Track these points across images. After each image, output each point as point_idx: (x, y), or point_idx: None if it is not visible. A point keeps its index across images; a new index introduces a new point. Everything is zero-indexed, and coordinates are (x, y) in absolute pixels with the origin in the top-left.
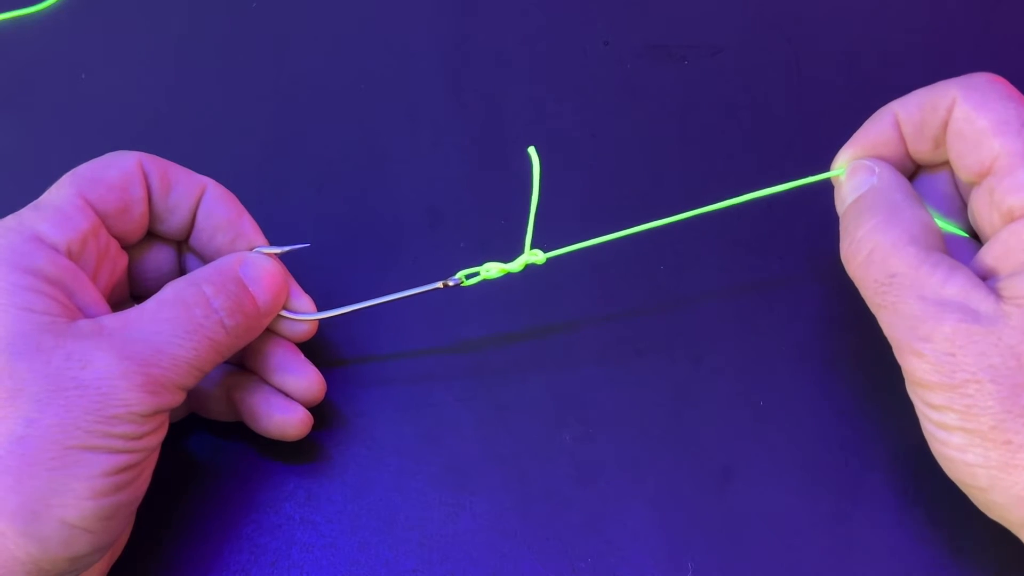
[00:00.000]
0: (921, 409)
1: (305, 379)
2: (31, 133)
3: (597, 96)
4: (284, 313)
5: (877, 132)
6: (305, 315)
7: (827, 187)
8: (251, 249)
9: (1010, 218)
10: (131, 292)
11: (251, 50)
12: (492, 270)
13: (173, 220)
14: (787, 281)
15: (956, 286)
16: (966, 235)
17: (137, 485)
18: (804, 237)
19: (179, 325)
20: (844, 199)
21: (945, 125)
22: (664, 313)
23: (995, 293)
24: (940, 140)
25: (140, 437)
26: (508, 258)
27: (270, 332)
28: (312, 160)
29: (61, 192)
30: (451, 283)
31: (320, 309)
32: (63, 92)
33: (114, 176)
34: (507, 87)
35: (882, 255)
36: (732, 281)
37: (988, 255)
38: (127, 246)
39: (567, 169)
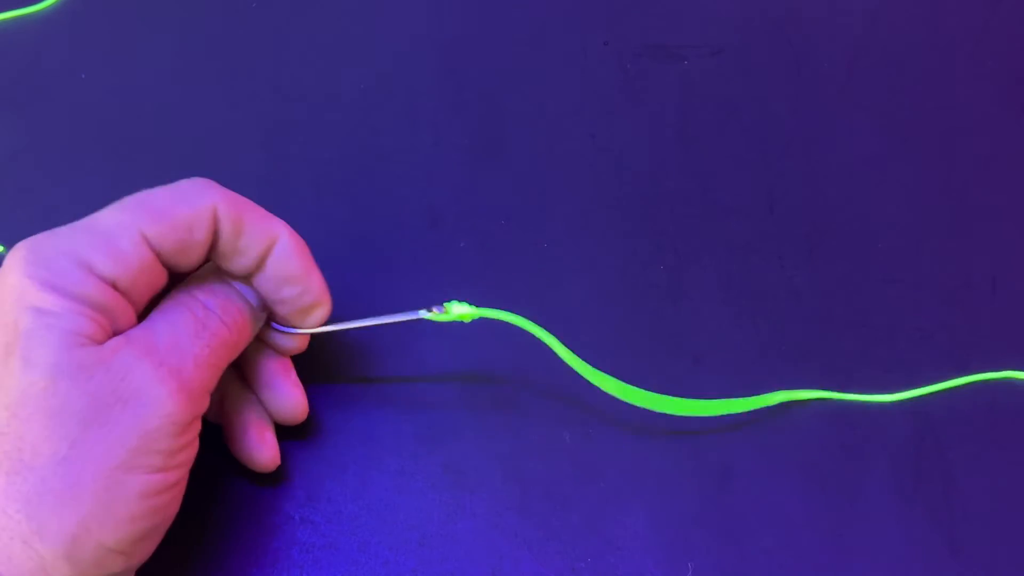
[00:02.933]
0: None
1: (288, 399)
2: (31, 133)
3: (597, 96)
4: (275, 326)
5: None
6: (294, 330)
7: (824, 187)
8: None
9: None
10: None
11: (251, 50)
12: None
13: (239, 263)
14: (787, 281)
15: None
16: None
17: (172, 508)
18: (804, 236)
19: (190, 326)
20: None
21: None
22: (664, 313)
23: None
24: None
25: (178, 451)
26: (509, 260)
27: (263, 343)
28: (311, 160)
29: (122, 220)
30: (435, 310)
31: None
32: (63, 92)
33: (182, 215)
34: (507, 87)
35: None
36: (732, 281)
37: None
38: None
39: (567, 169)
